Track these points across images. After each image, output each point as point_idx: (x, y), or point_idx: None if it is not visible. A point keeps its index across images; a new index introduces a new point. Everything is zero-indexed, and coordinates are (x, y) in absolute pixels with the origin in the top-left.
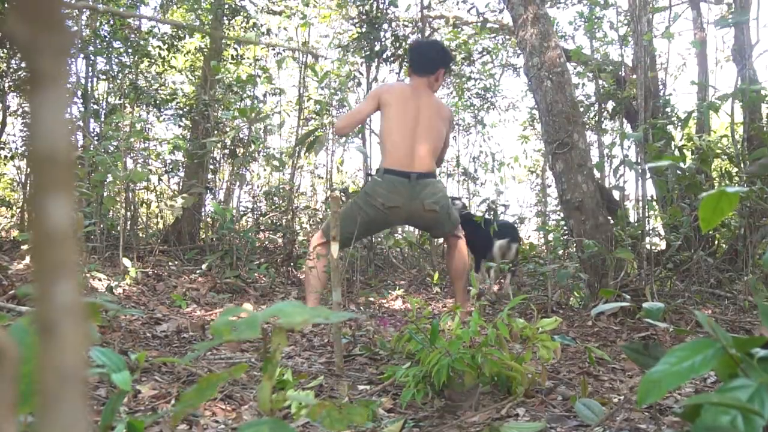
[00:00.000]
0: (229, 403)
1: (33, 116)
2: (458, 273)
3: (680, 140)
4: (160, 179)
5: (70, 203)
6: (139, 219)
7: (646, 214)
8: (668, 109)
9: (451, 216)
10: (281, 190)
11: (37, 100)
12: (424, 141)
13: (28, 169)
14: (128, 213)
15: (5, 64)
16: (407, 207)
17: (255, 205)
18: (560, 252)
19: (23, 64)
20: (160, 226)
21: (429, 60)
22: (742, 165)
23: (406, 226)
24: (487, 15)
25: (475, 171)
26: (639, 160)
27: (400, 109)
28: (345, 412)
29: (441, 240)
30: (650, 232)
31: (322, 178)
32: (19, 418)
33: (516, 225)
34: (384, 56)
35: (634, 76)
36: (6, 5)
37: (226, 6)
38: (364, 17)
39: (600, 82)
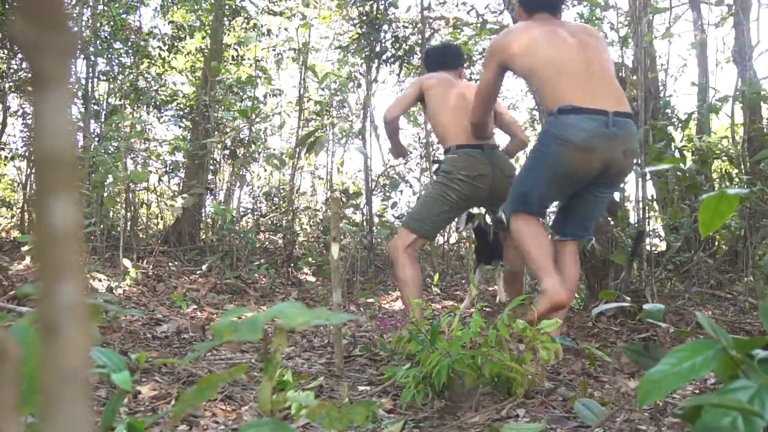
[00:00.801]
0: (230, 404)
1: (36, 117)
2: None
3: (680, 142)
4: (160, 180)
5: (72, 204)
6: (140, 220)
7: (647, 215)
8: (668, 111)
9: None
10: (281, 191)
11: (41, 101)
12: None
13: (31, 170)
14: (128, 213)
15: (6, 65)
16: (491, 174)
17: (255, 206)
18: None
19: (26, 65)
20: (161, 226)
21: (454, 56)
22: (742, 166)
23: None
24: (487, 16)
25: None
26: (639, 162)
27: (444, 90)
28: (345, 412)
29: (441, 241)
30: (650, 233)
31: (323, 178)
32: (21, 418)
33: None
34: (384, 57)
35: (635, 77)
36: (6, 6)
37: (227, 7)
38: (364, 18)
39: None
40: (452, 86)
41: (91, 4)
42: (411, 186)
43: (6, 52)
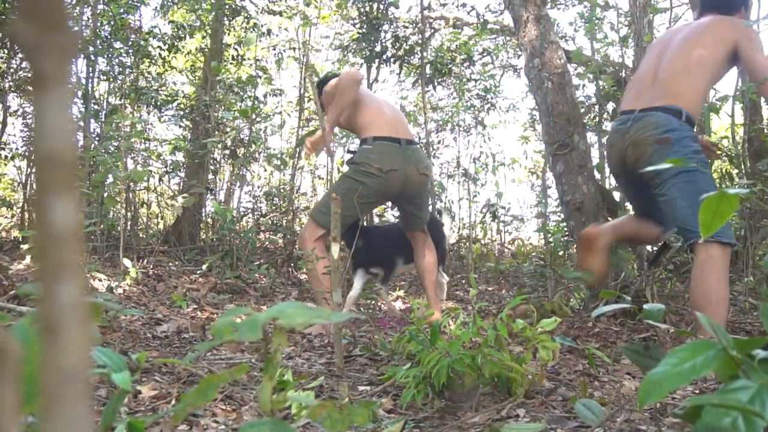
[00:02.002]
0: (230, 404)
1: (37, 117)
2: (433, 266)
3: None
4: (160, 180)
5: (73, 204)
6: (140, 219)
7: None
8: None
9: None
10: (282, 191)
11: (41, 101)
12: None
13: (31, 170)
14: (129, 213)
15: (6, 65)
16: (403, 170)
17: (255, 206)
18: (560, 253)
19: (26, 65)
20: (161, 226)
21: None
22: (742, 166)
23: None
24: (488, 16)
25: (476, 172)
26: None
27: (369, 92)
28: (346, 413)
29: None
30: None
31: (323, 178)
32: (21, 418)
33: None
34: (384, 57)
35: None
36: (7, 6)
37: (227, 6)
38: (364, 18)
39: (600, 83)
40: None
41: (91, 3)
42: None
43: (6, 51)
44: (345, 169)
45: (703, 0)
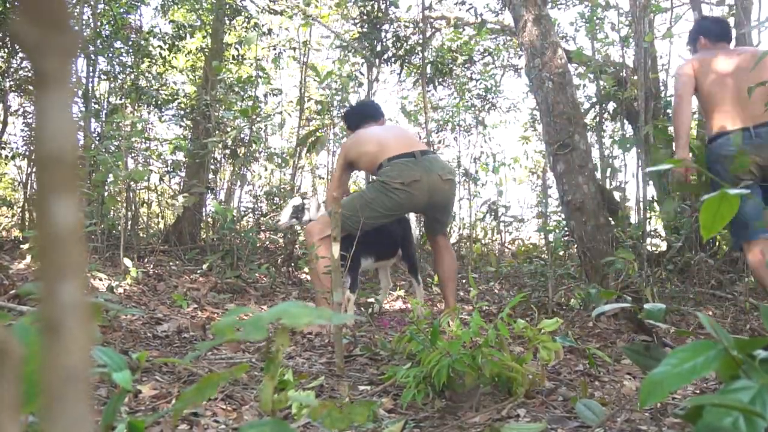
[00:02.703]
0: (230, 403)
1: (39, 117)
2: (454, 273)
3: None
4: (161, 179)
5: (75, 204)
6: (140, 219)
7: (647, 216)
8: (669, 111)
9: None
10: (282, 190)
11: (43, 101)
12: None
13: (33, 170)
14: (129, 213)
15: (6, 64)
16: (426, 180)
17: (256, 205)
18: (561, 253)
19: (27, 65)
20: (161, 226)
21: (376, 109)
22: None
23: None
24: (487, 16)
25: (476, 172)
26: (640, 163)
27: (366, 132)
28: (346, 412)
29: None
30: (651, 233)
31: (323, 178)
32: (22, 417)
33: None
34: (385, 57)
35: (636, 78)
36: (7, 5)
37: (227, 6)
38: (365, 18)
39: (601, 83)
40: (374, 125)
41: (91, 3)
42: None
43: (7, 51)
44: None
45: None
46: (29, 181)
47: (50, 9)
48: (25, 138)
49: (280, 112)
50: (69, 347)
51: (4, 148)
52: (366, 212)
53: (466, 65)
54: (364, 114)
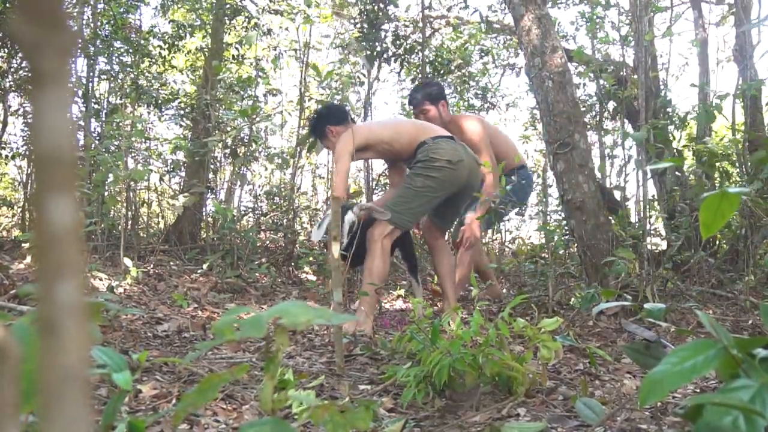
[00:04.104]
0: (230, 403)
1: (37, 116)
2: (454, 272)
3: (679, 141)
4: (161, 179)
5: (73, 203)
6: (140, 219)
7: (647, 214)
8: (669, 110)
9: None
10: (282, 190)
11: (41, 100)
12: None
13: (31, 169)
14: (129, 213)
15: (6, 64)
16: (467, 162)
17: (256, 205)
18: (561, 252)
19: (26, 64)
20: (161, 225)
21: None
22: (743, 166)
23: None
24: (488, 16)
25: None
26: (641, 161)
27: (378, 122)
28: (348, 417)
29: None
30: (651, 232)
31: (323, 178)
32: (20, 417)
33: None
34: (385, 56)
35: (635, 77)
36: (6, 5)
37: (227, 6)
38: (365, 17)
39: (601, 82)
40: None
41: (91, 2)
42: None
43: (7, 50)
44: (408, 171)
45: None
46: (29, 181)
47: (48, 8)
48: (25, 138)
49: (281, 112)
50: (67, 347)
51: (4, 148)
52: (416, 202)
53: (461, 68)
54: (346, 112)
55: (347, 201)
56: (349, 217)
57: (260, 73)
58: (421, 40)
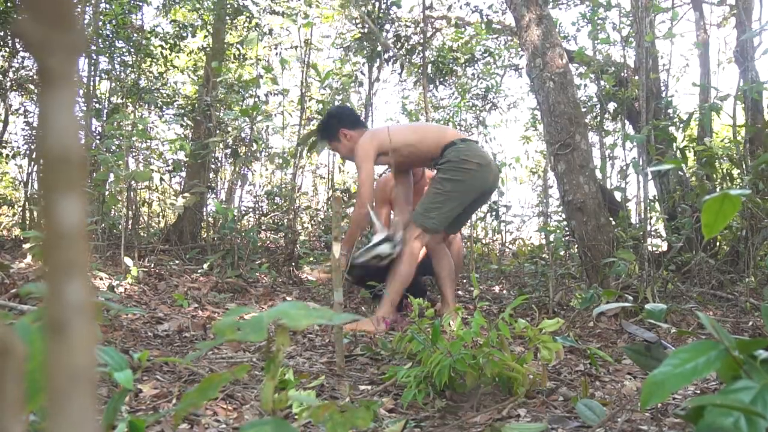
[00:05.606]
0: (231, 403)
1: (44, 116)
2: (454, 273)
3: (682, 142)
4: (161, 179)
5: (81, 203)
6: (141, 218)
7: (648, 216)
8: (670, 111)
9: None
10: (283, 190)
11: (48, 100)
12: None
13: (34, 168)
14: (130, 212)
15: (7, 63)
16: (493, 166)
17: (257, 205)
18: (561, 253)
19: (29, 64)
20: (162, 225)
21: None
22: (744, 167)
23: None
24: (490, 15)
25: None
26: (641, 162)
27: (397, 126)
28: (348, 416)
29: None
30: (652, 233)
31: (324, 178)
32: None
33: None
34: (386, 56)
35: (637, 78)
36: (9, 4)
37: (229, 6)
38: (366, 17)
39: (602, 83)
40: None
41: (92, 2)
42: None
43: (8, 50)
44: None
45: None
46: (30, 180)
47: (55, 7)
48: (25, 137)
49: (282, 112)
50: (74, 346)
51: (5, 147)
52: (448, 206)
53: (467, 64)
54: (359, 116)
55: (389, 232)
56: (384, 249)
57: (265, 73)
58: (422, 41)
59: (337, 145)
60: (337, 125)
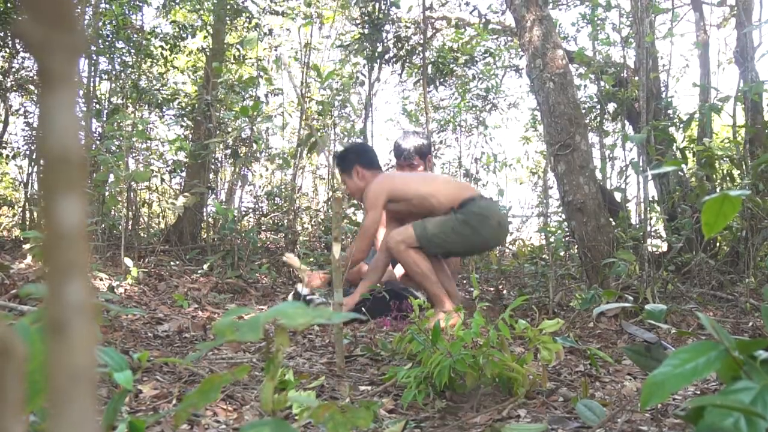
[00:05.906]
0: (231, 403)
1: (45, 116)
2: (454, 273)
3: (682, 142)
4: (162, 179)
5: (81, 204)
6: (141, 219)
7: (648, 216)
8: (670, 111)
9: None
10: (283, 191)
11: (49, 100)
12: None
13: (34, 169)
14: (130, 213)
15: (8, 64)
16: (506, 226)
17: (257, 206)
18: (561, 253)
19: (29, 64)
20: (162, 225)
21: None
22: (744, 167)
23: None
24: (490, 16)
25: (477, 172)
26: (642, 163)
27: (410, 174)
28: (349, 416)
29: None
30: (652, 234)
31: (324, 178)
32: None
33: None
34: (386, 57)
35: (636, 78)
36: (9, 5)
37: (228, 6)
38: (366, 18)
39: (602, 83)
40: (410, 168)
41: (93, 2)
42: None
43: (8, 50)
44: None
45: None
46: (30, 181)
47: (55, 7)
48: (26, 137)
49: (282, 113)
50: (75, 347)
51: (5, 148)
52: (454, 245)
53: (467, 65)
54: (377, 158)
55: (313, 290)
56: (302, 291)
57: (262, 74)
58: (422, 42)
59: (347, 179)
60: (354, 160)
